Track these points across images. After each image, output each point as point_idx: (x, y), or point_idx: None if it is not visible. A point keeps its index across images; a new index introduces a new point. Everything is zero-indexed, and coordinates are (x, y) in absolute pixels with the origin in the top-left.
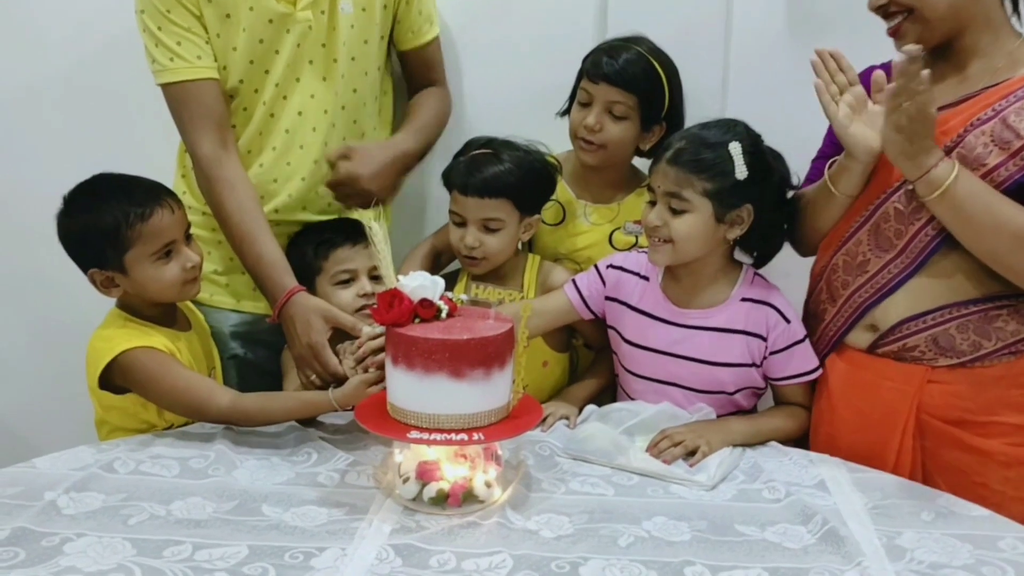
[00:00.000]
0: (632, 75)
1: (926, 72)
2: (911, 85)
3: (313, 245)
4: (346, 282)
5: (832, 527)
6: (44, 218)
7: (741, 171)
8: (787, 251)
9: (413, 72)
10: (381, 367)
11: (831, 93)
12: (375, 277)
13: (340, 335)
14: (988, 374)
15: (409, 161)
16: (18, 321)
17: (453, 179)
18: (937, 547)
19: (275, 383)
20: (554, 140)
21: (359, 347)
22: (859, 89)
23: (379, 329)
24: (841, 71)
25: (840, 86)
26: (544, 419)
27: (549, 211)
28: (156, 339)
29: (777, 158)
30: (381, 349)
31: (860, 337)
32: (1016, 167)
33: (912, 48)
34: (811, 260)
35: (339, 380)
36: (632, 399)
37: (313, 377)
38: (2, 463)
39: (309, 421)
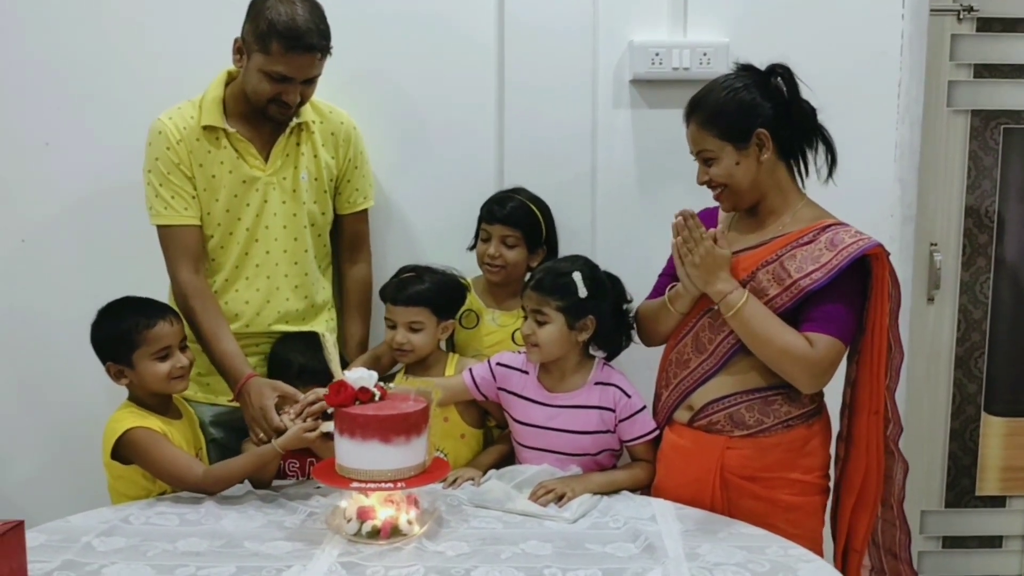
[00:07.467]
0: (517, 216)
1: (711, 230)
2: (694, 235)
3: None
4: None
5: (651, 543)
6: (62, 334)
7: (582, 292)
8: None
9: (344, 232)
10: (314, 417)
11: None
12: None
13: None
14: (769, 442)
15: None
16: (38, 416)
17: (386, 294)
18: (722, 553)
19: None
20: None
21: (300, 405)
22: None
23: (313, 396)
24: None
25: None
26: (455, 480)
27: (467, 318)
28: (152, 422)
29: (614, 281)
30: (314, 402)
31: (682, 414)
32: (787, 297)
33: (687, 211)
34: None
35: (280, 433)
36: (522, 463)
37: (262, 435)
38: (33, 524)
39: (268, 486)
